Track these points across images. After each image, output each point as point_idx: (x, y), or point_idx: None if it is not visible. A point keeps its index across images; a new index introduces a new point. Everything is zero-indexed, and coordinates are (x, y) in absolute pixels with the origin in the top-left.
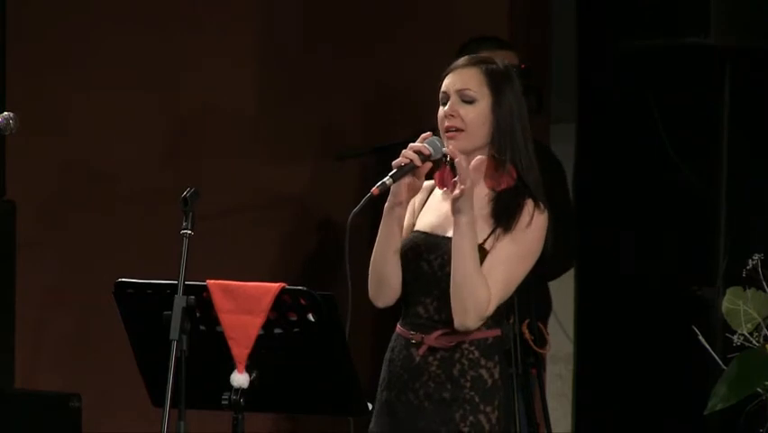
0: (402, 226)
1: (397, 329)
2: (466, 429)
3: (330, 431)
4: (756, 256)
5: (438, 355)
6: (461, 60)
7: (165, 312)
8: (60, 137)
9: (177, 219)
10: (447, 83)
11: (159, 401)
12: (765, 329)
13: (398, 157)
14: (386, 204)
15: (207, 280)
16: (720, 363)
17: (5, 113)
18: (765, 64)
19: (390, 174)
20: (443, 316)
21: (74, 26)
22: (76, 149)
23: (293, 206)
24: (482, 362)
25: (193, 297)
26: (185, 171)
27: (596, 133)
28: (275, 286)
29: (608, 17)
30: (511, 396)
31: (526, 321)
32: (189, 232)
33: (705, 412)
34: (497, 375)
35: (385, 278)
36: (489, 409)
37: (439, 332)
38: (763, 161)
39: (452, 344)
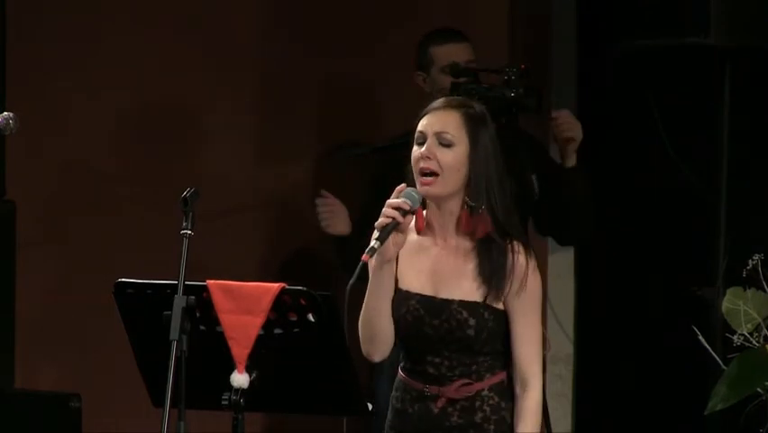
0: (393, 283)
1: (403, 378)
2: None
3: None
4: (756, 256)
5: (458, 406)
6: (440, 102)
7: (165, 312)
8: (60, 137)
9: (177, 219)
10: (425, 124)
11: (159, 401)
12: (765, 329)
13: (383, 204)
14: (373, 264)
15: (207, 281)
16: (720, 363)
17: (5, 113)
18: (765, 64)
19: (376, 237)
20: (456, 372)
21: (74, 26)
22: (76, 149)
23: (292, 206)
24: (503, 405)
25: (193, 297)
26: (185, 171)
27: (596, 133)
28: (275, 286)
29: (607, 17)
30: None
31: None
32: (189, 232)
33: (705, 412)
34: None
35: (379, 334)
36: None
37: (458, 383)
38: (763, 161)
39: (473, 393)
